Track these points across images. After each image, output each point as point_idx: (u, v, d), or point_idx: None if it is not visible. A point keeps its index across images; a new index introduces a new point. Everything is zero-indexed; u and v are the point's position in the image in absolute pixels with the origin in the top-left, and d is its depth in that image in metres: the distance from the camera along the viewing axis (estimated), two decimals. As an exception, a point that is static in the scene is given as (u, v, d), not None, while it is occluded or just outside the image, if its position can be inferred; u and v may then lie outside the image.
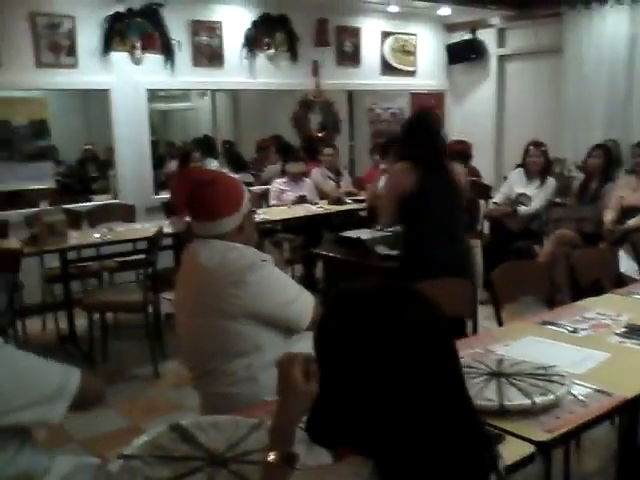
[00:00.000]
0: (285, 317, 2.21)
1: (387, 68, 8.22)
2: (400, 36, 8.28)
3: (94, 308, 4.61)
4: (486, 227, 6.33)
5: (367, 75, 8.05)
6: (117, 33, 6.08)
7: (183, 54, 6.53)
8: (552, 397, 1.83)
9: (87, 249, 5.17)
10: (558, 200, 5.99)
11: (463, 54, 8.45)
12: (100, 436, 3.57)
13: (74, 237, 4.91)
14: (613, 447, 2.87)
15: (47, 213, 4.76)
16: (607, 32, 7.03)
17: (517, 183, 5.92)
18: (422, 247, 3.46)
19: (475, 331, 3.02)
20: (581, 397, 1.92)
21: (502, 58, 8.35)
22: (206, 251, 2.20)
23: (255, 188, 7.00)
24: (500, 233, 5.82)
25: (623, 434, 2.51)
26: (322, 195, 6.71)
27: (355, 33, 7.89)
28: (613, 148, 6.16)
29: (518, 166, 6.08)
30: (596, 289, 3.41)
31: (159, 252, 4.74)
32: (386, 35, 8.14)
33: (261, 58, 7.09)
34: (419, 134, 3.51)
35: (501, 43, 8.32)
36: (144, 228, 5.27)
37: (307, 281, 5.87)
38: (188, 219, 2.31)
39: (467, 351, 2.29)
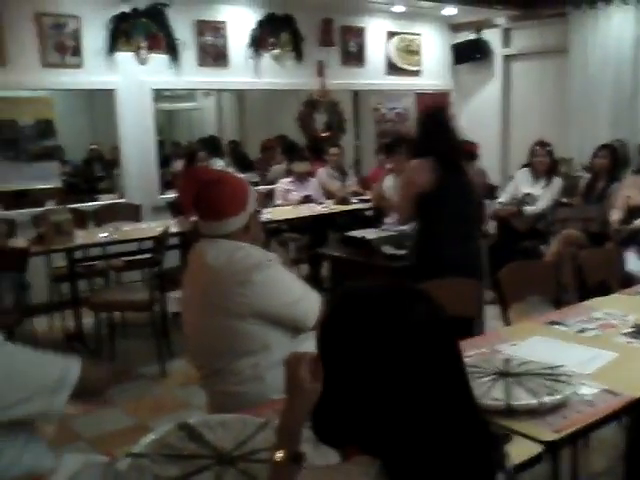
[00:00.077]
0: (292, 316, 2.21)
1: (392, 68, 8.22)
2: (405, 36, 8.28)
3: (101, 307, 4.62)
4: (492, 227, 6.32)
5: (372, 75, 8.05)
6: (122, 33, 6.10)
7: (188, 54, 6.54)
8: (559, 397, 1.83)
9: (94, 248, 5.19)
10: (564, 200, 5.99)
11: (468, 54, 8.44)
12: (107, 434, 3.59)
13: (80, 236, 4.93)
14: (621, 447, 2.86)
15: (53, 213, 4.77)
16: (612, 32, 7.01)
17: (523, 183, 5.92)
18: (435, 246, 3.44)
19: (482, 331, 3.02)
20: (588, 397, 1.92)
21: (507, 58, 8.34)
22: (213, 250, 2.20)
23: (261, 188, 7.01)
24: (506, 233, 5.82)
25: (631, 434, 2.51)
26: (328, 195, 6.72)
27: (360, 33, 7.89)
28: (619, 148, 6.15)
29: (524, 166, 6.07)
30: (603, 289, 3.40)
31: (165, 251, 4.75)
32: (391, 35, 8.14)
33: (266, 58, 7.10)
34: (436, 131, 3.47)
35: (506, 43, 8.31)
36: (150, 227, 5.29)
37: (313, 281, 5.87)
38: (195, 218, 2.31)
39: (474, 351, 2.29)
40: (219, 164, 7.35)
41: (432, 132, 3.50)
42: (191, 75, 6.63)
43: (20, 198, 6.23)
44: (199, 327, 2.26)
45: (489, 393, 1.85)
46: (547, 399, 1.81)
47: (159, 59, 6.36)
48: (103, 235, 5.06)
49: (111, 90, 6.22)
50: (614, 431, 3.05)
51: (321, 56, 7.49)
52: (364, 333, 1.06)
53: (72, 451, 1.90)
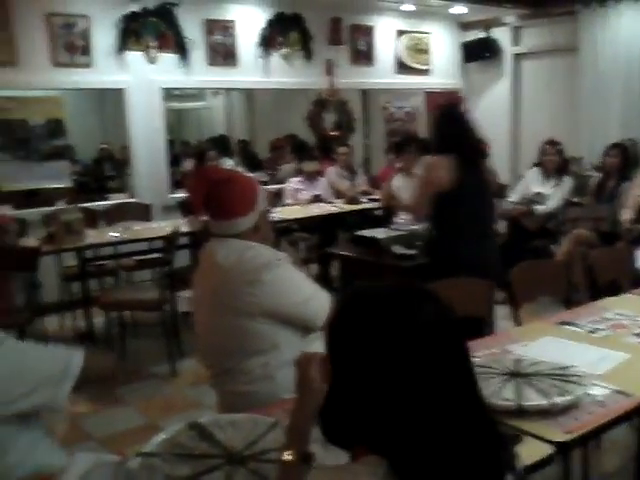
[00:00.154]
0: (301, 315, 2.21)
1: (401, 67, 8.21)
2: (414, 35, 8.26)
3: (111, 306, 4.64)
4: (502, 226, 6.30)
5: (381, 74, 8.04)
6: (132, 32, 6.12)
7: (198, 53, 6.55)
8: (571, 398, 1.82)
9: (104, 248, 5.21)
10: (575, 199, 5.96)
11: (478, 52, 8.42)
12: (118, 434, 3.60)
13: (91, 236, 4.95)
14: (632, 448, 2.85)
15: (64, 212, 4.80)
16: (623, 30, 6.98)
17: (533, 182, 5.90)
18: (452, 245, 3.39)
19: (492, 331, 3.01)
20: (600, 398, 1.91)
21: (517, 56, 8.31)
22: (223, 250, 2.20)
23: (270, 187, 7.01)
24: (517, 232, 5.80)
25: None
26: (337, 194, 6.71)
27: (369, 32, 7.88)
28: (630, 147, 6.11)
29: (534, 165, 6.05)
30: (614, 289, 3.39)
31: (176, 251, 4.76)
32: (400, 34, 8.13)
33: (275, 57, 7.10)
34: (453, 127, 3.42)
35: (516, 41, 8.28)
36: (160, 227, 5.30)
37: (322, 280, 5.87)
38: (205, 218, 2.32)
39: (484, 351, 2.28)
40: (228, 163, 7.36)
41: (449, 129, 3.44)
42: (200, 74, 6.64)
43: (31, 197, 6.27)
44: (209, 326, 2.27)
45: (500, 393, 1.85)
46: (558, 400, 1.80)
47: (169, 58, 6.38)
48: (113, 234, 5.08)
49: (121, 89, 6.24)
50: (625, 432, 3.03)
51: (330, 55, 7.48)
52: (372, 333, 1.06)
53: (83, 450, 1.91)
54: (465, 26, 8.56)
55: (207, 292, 2.26)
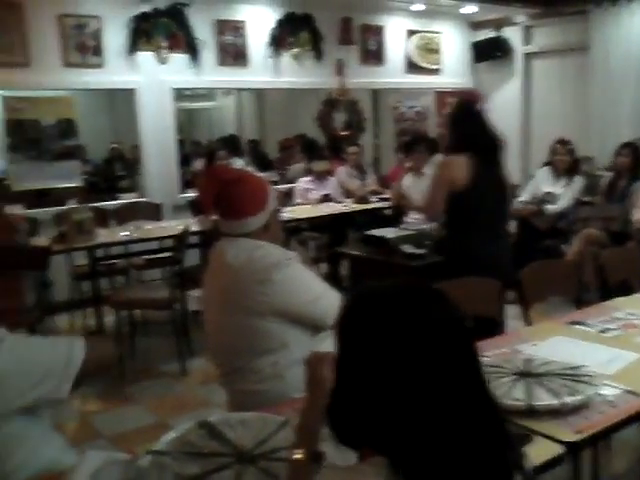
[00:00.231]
0: (311, 315, 2.22)
1: (412, 66, 8.20)
2: (425, 34, 8.25)
3: (122, 305, 4.65)
4: (513, 226, 6.28)
5: (392, 73, 8.03)
6: (143, 33, 6.14)
7: (208, 53, 6.57)
8: (581, 398, 1.82)
9: (115, 247, 5.24)
10: (586, 199, 5.94)
11: (488, 52, 8.40)
12: (128, 432, 3.61)
13: (102, 235, 4.97)
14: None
15: (75, 211, 4.81)
16: (634, 29, 6.95)
17: (544, 181, 5.88)
18: (467, 244, 3.33)
19: (503, 331, 3.00)
20: (610, 398, 1.90)
21: (528, 56, 8.28)
22: (232, 249, 2.21)
23: (280, 187, 7.02)
24: (527, 232, 5.78)
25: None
26: (347, 194, 6.71)
27: (379, 31, 7.87)
28: (642, 147, 6.08)
29: (545, 164, 6.03)
30: (624, 289, 3.37)
31: (186, 250, 4.77)
32: (411, 33, 8.12)
33: (286, 57, 7.11)
34: (470, 125, 3.36)
35: (527, 41, 8.25)
36: (171, 226, 5.32)
37: (332, 279, 5.87)
38: (215, 217, 2.32)
39: (494, 351, 2.28)
40: (239, 163, 7.36)
41: (465, 124, 3.38)
42: (211, 74, 6.65)
43: (42, 197, 6.30)
44: (219, 325, 2.27)
45: (510, 393, 1.84)
46: (569, 400, 1.80)
47: (179, 59, 6.40)
48: (124, 234, 5.10)
49: (132, 89, 6.27)
50: (636, 432, 3.02)
51: (340, 55, 7.48)
52: (379, 333, 1.06)
53: (93, 449, 1.92)
54: (476, 25, 8.54)
55: (217, 291, 2.27)
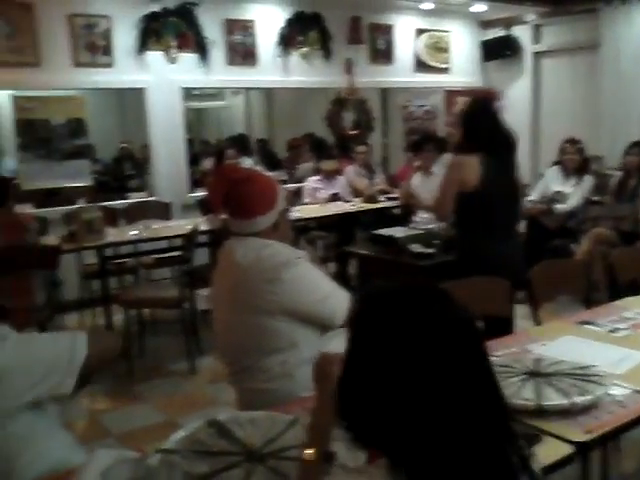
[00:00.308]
0: (320, 314, 2.22)
1: (421, 65, 8.18)
2: (434, 33, 8.24)
3: (131, 304, 4.67)
4: (522, 225, 6.26)
5: (401, 72, 8.02)
6: (152, 32, 6.16)
7: (217, 53, 6.58)
8: (591, 397, 1.81)
9: (124, 246, 5.25)
10: (595, 198, 5.91)
11: (498, 51, 8.38)
12: (137, 431, 3.62)
13: (111, 234, 4.99)
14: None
15: (84, 211, 4.83)
16: (645, 27, 6.92)
17: (553, 181, 5.86)
18: (477, 244, 3.31)
19: (512, 331, 2.99)
20: (620, 398, 1.90)
21: (537, 55, 8.26)
22: (241, 248, 2.21)
23: (289, 186, 7.02)
24: (537, 231, 5.76)
25: (663, 436, 2.47)
26: (355, 193, 6.71)
27: (388, 30, 7.87)
28: (652, 146, 6.05)
29: (554, 164, 6.01)
30: (634, 288, 3.35)
31: (195, 249, 4.78)
32: (420, 32, 8.11)
33: (294, 56, 7.11)
34: (483, 124, 3.30)
35: (536, 39, 8.22)
36: (180, 225, 5.33)
37: (340, 278, 5.87)
38: (224, 216, 2.33)
39: (504, 350, 2.27)
40: (247, 162, 7.38)
41: (479, 122, 3.32)
42: (220, 74, 6.66)
43: (52, 196, 6.33)
44: (228, 324, 2.28)
45: (519, 393, 1.84)
46: (578, 399, 1.79)
47: (188, 58, 6.41)
48: (133, 233, 5.11)
49: (141, 89, 6.29)
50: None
51: (349, 54, 7.48)
52: (390, 333, 1.05)
53: (102, 447, 1.93)
54: (485, 24, 8.52)
55: (226, 290, 2.27)
